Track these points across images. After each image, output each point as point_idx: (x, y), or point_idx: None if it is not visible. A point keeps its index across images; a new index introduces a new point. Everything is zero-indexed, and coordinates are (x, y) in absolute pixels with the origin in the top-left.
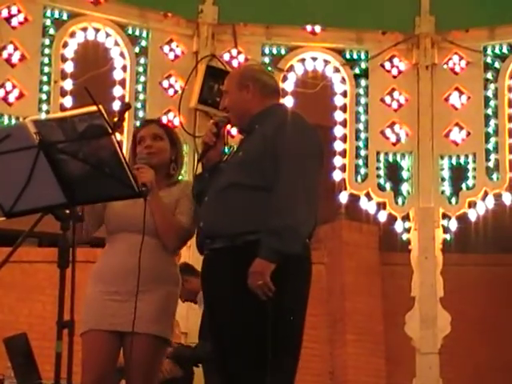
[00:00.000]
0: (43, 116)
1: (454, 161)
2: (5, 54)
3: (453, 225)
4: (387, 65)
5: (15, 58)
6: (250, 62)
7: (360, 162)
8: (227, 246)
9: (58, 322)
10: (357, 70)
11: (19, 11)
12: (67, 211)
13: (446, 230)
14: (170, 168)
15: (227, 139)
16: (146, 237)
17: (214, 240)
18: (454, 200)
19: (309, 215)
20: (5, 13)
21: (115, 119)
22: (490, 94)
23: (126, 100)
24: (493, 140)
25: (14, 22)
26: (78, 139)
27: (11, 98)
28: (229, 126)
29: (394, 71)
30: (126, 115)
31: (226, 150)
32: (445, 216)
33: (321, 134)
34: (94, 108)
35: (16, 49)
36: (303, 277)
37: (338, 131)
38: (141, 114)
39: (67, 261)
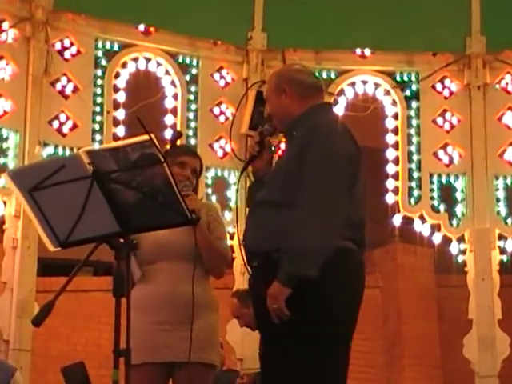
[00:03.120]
0: (96, 146)
1: (508, 181)
2: (58, 86)
3: (509, 245)
4: (438, 86)
5: (68, 90)
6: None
7: (413, 184)
8: (262, 263)
9: (114, 350)
10: (408, 92)
11: (72, 44)
12: (121, 240)
13: (502, 250)
14: None
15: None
16: (192, 264)
17: (253, 257)
18: (509, 220)
19: (326, 235)
20: (58, 46)
21: (167, 147)
22: None
23: (178, 128)
24: None
25: (67, 54)
26: (131, 168)
27: (65, 129)
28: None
29: (446, 92)
30: (178, 143)
31: None
32: (501, 237)
33: (369, 152)
34: (145, 137)
35: (69, 81)
36: (344, 286)
37: (390, 154)
38: (192, 141)
39: (122, 289)
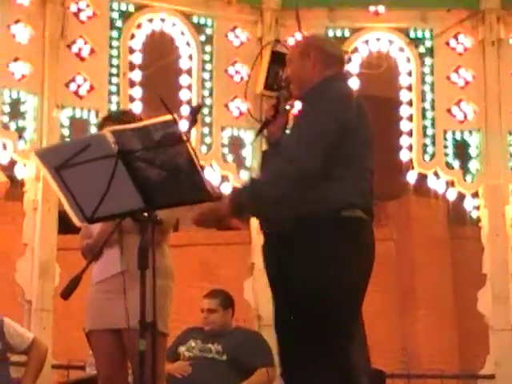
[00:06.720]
0: (113, 108)
1: None
2: (75, 49)
3: None
4: (452, 42)
5: (85, 52)
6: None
7: (427, 141)
8: (277, 230)
9: (140, 321)
10: (422, 49)
11: (87, 6)
12: (145, 215)
13: None
14: None
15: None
16: (131, 235)
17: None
18: None
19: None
20: (73, 8)
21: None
22: None
23: (193, 88)
24: None
25: (83, 16)
26: (155, 147)
27: (82, 91)
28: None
29: (460, 48)
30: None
31: None
32: None
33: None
34: (168, 117)
35: (85, 43)
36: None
37: (404, 111)
38: (208, 101)
39: (147, 262)
